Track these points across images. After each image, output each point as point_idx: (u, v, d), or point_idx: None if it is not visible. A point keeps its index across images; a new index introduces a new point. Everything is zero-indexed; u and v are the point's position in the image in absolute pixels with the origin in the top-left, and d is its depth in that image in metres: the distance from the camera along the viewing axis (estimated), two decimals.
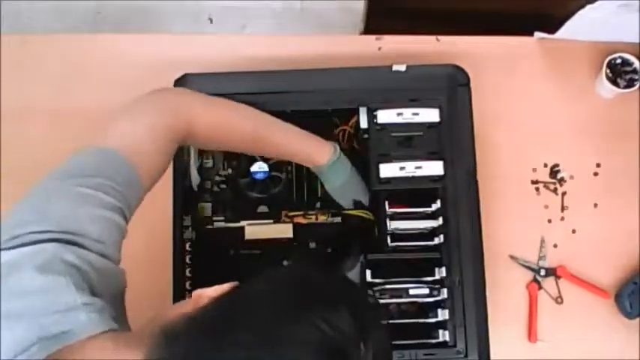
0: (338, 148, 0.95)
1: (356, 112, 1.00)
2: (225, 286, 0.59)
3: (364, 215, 0.99)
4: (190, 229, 0.98)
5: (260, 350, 0.51)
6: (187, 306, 0.59)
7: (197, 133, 0.81)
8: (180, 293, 0.94)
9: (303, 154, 0.93)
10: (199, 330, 0.53)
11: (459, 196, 0.95)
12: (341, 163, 0.96)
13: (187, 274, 0.96)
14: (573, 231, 1.08)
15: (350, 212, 0.99)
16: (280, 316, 0.53)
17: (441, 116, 0.98)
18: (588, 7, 0.97)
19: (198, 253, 0.97)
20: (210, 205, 1.02)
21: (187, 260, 0.96)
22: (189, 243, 0.97)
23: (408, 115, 0.98)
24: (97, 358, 0.56)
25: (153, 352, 0.53)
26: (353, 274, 0.98)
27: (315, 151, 0.93)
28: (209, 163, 1.03)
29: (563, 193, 1.09)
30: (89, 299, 0.58)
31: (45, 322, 0.56)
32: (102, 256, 0.62)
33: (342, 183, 0.97)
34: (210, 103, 0.85)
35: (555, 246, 1.07)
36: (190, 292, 0.95)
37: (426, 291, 0.94)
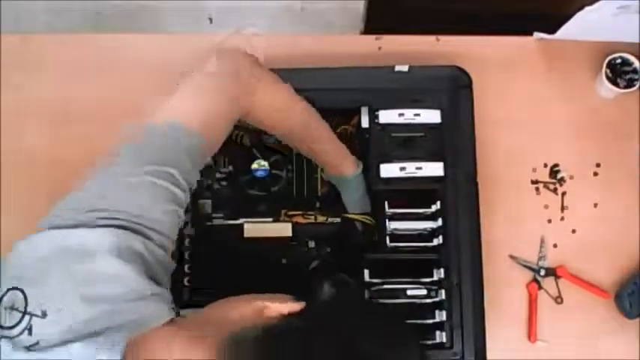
0: (361, 164, 0.96)
1: (357, 112, 1.01)
2: (294, 307, 0.62)
3: (365, 220, 0.99)
4: (190, 225, 0.98)
5: None
6: (248, 313, 0.62)
7: (255, 113, 0.80)
8: (178, 289, 0.95)
9: (336, 161, 0.94)
10: (268, 348, 0.57)
11: (458, 198, 0.95)
12: (361, 179, 0.97)
13: (186, 270, 0.96)
14: (573, 231, 1.08)
15: (350, 216, 0.99)
16: (353, 352, 0.57)
17: (442, 117, 0.98)
18: (587, 8, 0.97)
19: (198, 250, 0.98)
20: (210, 202, 1.02)
21: (186, 257, 0.97)
22: (188, 239, 0.98)
23: (409, 115, 0.98)
24: (168, 351, 0.58)
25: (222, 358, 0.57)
26: None
27: (346, 162, 0.95)
28: (210, 160, 1.03)
29: (563, 193, 1.09)
30: (157, 289, 0.61)
31: (122, 309, 0.58)
32: (163, 249, 0.64)
33: (359, 196, 0.98)
34: (276, 85, 0.83)
35: (555, 246, 1.07)
36: (188, 288, 0.96)
37: (424, 292, 0.94)
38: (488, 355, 0.92)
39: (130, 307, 0.58)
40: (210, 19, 1.88)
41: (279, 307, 0.61)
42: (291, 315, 0.61)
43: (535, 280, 1.06)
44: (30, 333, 0.55)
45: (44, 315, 0.56)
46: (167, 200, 0.65)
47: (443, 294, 0.93)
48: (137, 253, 0.61)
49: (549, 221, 1.08)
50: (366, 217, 0.99)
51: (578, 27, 1.05)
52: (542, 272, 1.06)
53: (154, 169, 0.64)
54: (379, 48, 1.13)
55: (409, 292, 0.94)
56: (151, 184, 0.64)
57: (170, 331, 0.59)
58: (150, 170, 0.64)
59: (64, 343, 0.54)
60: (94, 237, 0.59)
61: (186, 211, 0.96)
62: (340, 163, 0.94)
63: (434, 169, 0.96)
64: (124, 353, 0.54)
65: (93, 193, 0.63)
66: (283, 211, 1.01)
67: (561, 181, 1.09)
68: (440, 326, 0.93)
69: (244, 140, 1.03)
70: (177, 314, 0.64)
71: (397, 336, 0.61)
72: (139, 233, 0.62)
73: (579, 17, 1.00)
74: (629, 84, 1.08)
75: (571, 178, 1.10)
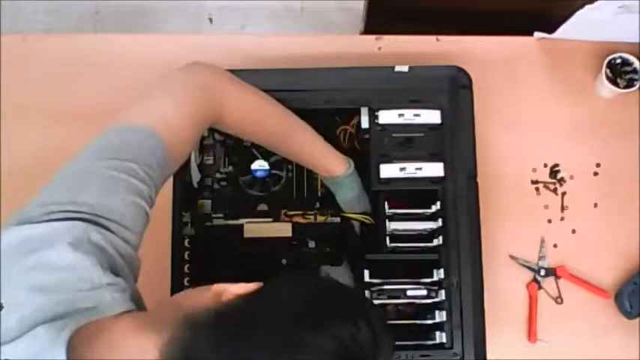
0: (352, 163, 0.96)
1: (357, 112, 1.01)
2: (251, 286, 0.61)
3: (364, 220, 0.99)
4: (190, 225, 0.98)
5: (280, 355, 0.53)
6: (207, 297, 0.60)
7: (227, 119, 0.81)
8: (178, 289, 0.94)
9: (323, 161, 0.94)
10: (224, 327, 0.56)
11: (458, 198, 0.95)
12: (354, 177, 0.97)
13: (186, 270, 0.96)
14: (573, 231, 1.08)
15: (350, 215, 0.99)
16: (304, 324, 0.55)
17: (442, 118, 0.98)
18: (587, 7, 0.97)
19: (197, 250, 0.98)
20: (210, 202, 1.02)
21: (186, 256, 0.96)
22: (188, 239, 0.97)
23: (409, 115, 0.98)
24: (120, 338, 0.58)
25: (176, 341, 0.55)
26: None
27: (334, 162, 0.94)
28: (210, 160, 1.03)
29: (563, 193, 1.09)
30: (113, 280, 0.61)
31: (74, 298, 0.58)
32: (126, 242, 0.64)
33: (353, 196, 0.98)
34: (246, 92, 0.85)
35: (555, 246, 1.07)
36: (188, 287, 0.96)
37: (424, 292, 0.94)
38: (488, 355, 0.92)
39: (83, 296, 0.58)
40: (210, 19, 1.88)
41: (236, 288, 0.60)
42: (244, 296, 0.60)
43: (535, 280, 1.06)
44: None
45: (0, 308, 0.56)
46: (128, 192, 0.65)
47: (443, 294, 0.93)
48: (95, 245, 0.61)
49: (549, 221, 1.08)
50: (365, 216, 0.99)
51: (579, 26, 1.05)
52: (542, 272, 1.06)
53: (114, 163, 0.66)
54: (379, 48, 1.13)
55: (409, 293, 0.94)
56: (110, 177, 0.65)
57: (123, 319, 0.59)
58: (109, 164, 0.65)
59: (17, 336, 0.54)
60: (50, 230, 0.60)
61: (186, 211, 0.98)
62: (328, 165, 0.94)
63: (434, 169, 0.96)
64: (71, 340, 0.54)
65: (53, 188, 0.64)
66: (283, 211, 1.01)
67: (561, 181, 1.09)
68: (440, 326, 0.93)
69: (244, 140, 1.03)
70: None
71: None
72: (97, 225, 0.62)
73: (580, 16, 1.00)
74: (629, 84, 1.08)
75: (571, 178, 1.09)
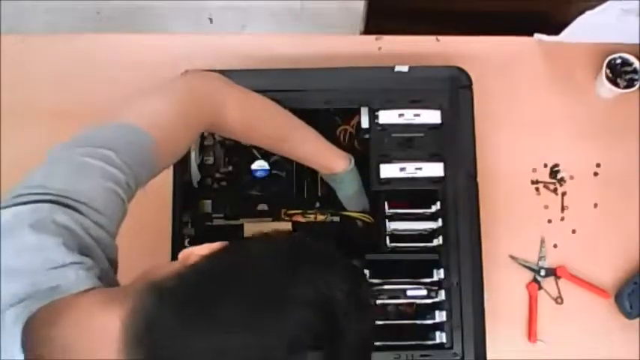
0: (352, 158, 0.96)
1: (357, 112, 1.01)
2: (216, 245, 0.59)
3: (364, 218, 0.99)
4: (190, 225, 0.98)
5: (253, 310, 0.51)
6: (174, 265, 0.59)
7: (224, 123, 0.81)
8: None
9: (323, 159, 0.94)
10: (187, 288, 0.54)
11: (458, 198, 0.95)
12: (355, 174, 0.97)
13: None
14: (573, 231, 1.08)
15: (349, 214, 0.99)
16: (275, 275, 0.53)
17: (442, 118, 0.98)
18: (588, 12, 0.97)
19: None
20: (210, 202, 1.02)
21: None
22: (188, 239, 0.98)
23: (409, 116, 0.98)
24: (82, 313, 0.57)
25: (140, 307, 0.53)
26: None
27: (335, 159, 0.94)
28: (210, 160, 1.03)
29: (563, 193, 1.09)
30: (78, 258, 0.60)
31: (38, 279, 0.57)
32: (97, 224, 0.63)
33: (354, 192, 0.98)
34: (244, 95, 0.85)
35: (555, 246, 1.07)
36: None
37: (424, 292, 0.94)
38: (489, 355, 0.92)
39: (47, 277, 0.58)
40: (210, 19, 1.88)
41: (200, 249, 0.58)
42: (209, 256, 0.58)
43: (535, 280, 1.06)
44: None
45: None
46: (101, 177, 0.65)
47: (443, 294, 0.93)
48: (60, 225, 0.60)
49: (549, 221, 1.08)
50: (365, 215, 0.99)
51: (580, 29, 1.05)
52: (542, 272, 1.06)
53: (88, 150, 0.65)
54: (379, 48, 1.13)
55: (409, 293, 0.94)
56: (82, 162, 0.65)
57: (87, 294, 0.58)
58: (83, 151, 0.65)
59: None
60: (14, 214, 0.60)
61: (186, 211, 0.98)
62: (329, 162, 0.94)
63: (434, 169, 0.96)
64: (32, 321, 0.53)
65: (29, 176, 0.65)
66: (283, 211, 1.01)
67: (561, 181, 1.09)
68: (440, 326, 0.93)
69: None
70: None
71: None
72: (65, 206, 0.61)
73: (582, 20, 1.00)
74: (629, 84, 1.08)
75: (571, 178, 1.09)
